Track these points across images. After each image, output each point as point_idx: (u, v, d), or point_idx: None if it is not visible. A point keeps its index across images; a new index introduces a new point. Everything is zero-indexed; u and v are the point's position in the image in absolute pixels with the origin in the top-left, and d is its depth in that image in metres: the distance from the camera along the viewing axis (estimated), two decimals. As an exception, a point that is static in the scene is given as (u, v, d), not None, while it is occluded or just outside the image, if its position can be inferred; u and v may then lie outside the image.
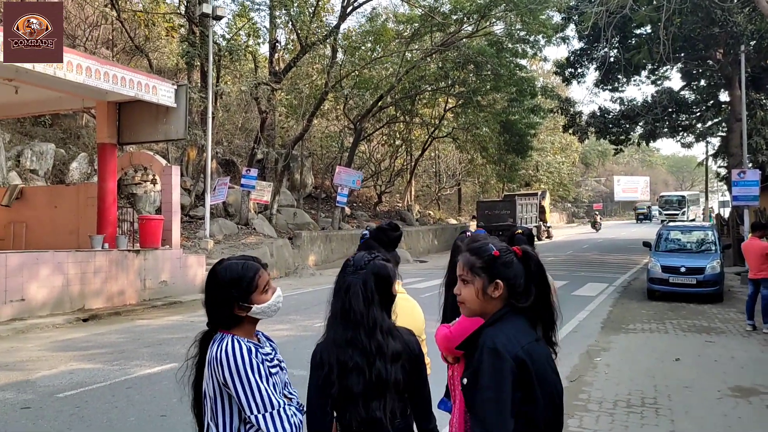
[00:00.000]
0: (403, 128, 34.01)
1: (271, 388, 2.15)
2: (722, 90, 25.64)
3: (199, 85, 21.02)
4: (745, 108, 19.71)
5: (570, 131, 30.54)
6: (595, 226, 47.91)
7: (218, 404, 2.17)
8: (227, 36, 24.03)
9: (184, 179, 20.93)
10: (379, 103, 26.50)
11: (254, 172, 20.14)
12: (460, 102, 31.46)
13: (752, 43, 20.87)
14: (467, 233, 3.45)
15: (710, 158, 35.03)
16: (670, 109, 26.41)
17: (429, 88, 29.41)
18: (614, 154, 39.88)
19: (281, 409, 2.14)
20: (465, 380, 1.89)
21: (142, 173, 19.23)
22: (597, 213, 54.77)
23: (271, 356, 2.29)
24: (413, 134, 35.37)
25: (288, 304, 12.96)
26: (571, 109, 29.16)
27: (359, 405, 2.15)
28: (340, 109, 28.66)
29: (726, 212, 31.77)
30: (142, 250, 13.91)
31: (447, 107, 33.59)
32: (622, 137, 28.99)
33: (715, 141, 31.04)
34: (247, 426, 2.16)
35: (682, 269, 13.47)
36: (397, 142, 35.20)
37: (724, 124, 26.86)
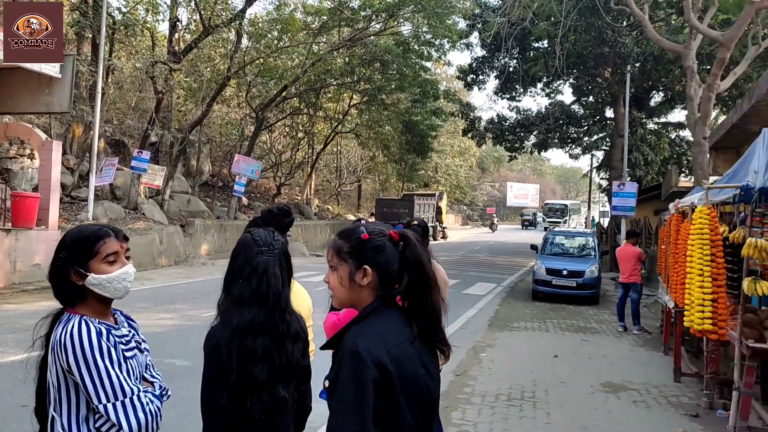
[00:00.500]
0: (307, 121, 33.65)
1: (124, 374, 1.94)
2: (608, 107, 27.40)
3: (89, 58, 19.68)
4: (627, 125, 21.16)
5: (469, 135, 31.56)
6: (492, 227, 54.78)
7: (62, 393, 1.93)
8: (123, 9, 22.67)
9: (67, 157, 19.52)
10: (283, 94, 26.05)
11: (146, 154, 19.12)
12: (364, 99, 31.57)
13: (637, 64, 22.44)
14: (362, 221, 3.41)
15: (594, 170, 37.35)
16: (561, 121, 27.95)
17: (334, 83, 29.30)
18: (509, 160, 41.61)
19: (134, 397, 1.93)
20: (326, 382, 1.68)
21: (18, 147, 17.69)
22: (494, 216, 60.91)
23: (128, 338, 2.07)
24: (316, 128, 35.10)
25: (175, 293, 12.45)
26: (471, 114, 30.13)
27: (265, 390, 2.05)
28: (242, 97, 27.87)
29: (606, 222, 34.00)
30: (13, 229, 12.80)
31: (351, 103, 33.62)
32: (517, 145, 30.32)
33: (600, 154, 33.13)
34: (96, 416, 1.92)
35: (564, 272, 14.22)
36: (300, 135, 34.77)
37: (608, 139, 28.76)
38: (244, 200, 27.65)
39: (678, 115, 30.19)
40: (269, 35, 25.30)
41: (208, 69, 24.86)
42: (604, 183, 32.24)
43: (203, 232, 20.81)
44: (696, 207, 6.07)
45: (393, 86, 29.54)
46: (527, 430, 5.52)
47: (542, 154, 39.62)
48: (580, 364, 8.22)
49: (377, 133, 34.89)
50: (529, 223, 63.58)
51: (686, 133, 26.29)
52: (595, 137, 30.35)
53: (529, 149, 31.58)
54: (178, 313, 10.30)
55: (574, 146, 31.59)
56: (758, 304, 6.40)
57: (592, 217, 47.58)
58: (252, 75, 24.76)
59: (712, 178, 11.86)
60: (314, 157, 35.89)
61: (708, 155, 12.90)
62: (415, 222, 3.90)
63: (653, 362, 8.52)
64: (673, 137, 27.72)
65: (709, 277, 5.43)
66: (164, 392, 2.11)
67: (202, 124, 25.21)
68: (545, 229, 43.74)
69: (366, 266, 1.72)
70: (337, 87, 30.17)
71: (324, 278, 1.82)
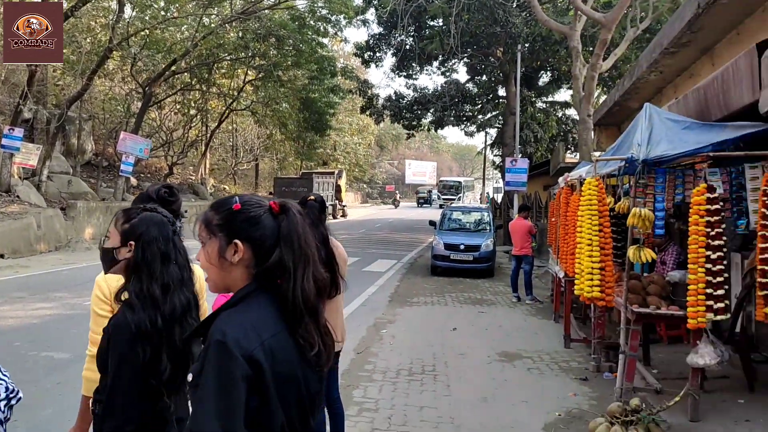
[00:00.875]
0: (199, 97, 32.27)
1: None
2: (501, 86, 28.26)
3: (-53, 24, 17.71)
4: (518, 103, 21.90)
5: (367, 113, 31.56)
6: (395, 203, 60.78)
7: None
8: (-13, -29, 20.54)
9: (-76, 135, 17.58)
10: (172, 68, 24.72)
11: (19, 132, 17.60)
12: (260, 75, 30.66)
13: (527, 44, 23.22)
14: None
15: (488, 147, 38.53)
16: (456, 100, 28.53)
17: (228, 58, 28.19)
18: (407, 138, 42.07)
19: None
20: (190, 376, 1.43)
21: None
22: (397, 193, 66.27)
23: None
24: (210, 104, 33.76)
25: (56, 281, 11.59)
26: (369, 92, 30.12)
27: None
28: (127, 70, 26.21)
29: (500, 197, 35.28)
30: None
31: (246, 79, 32.54)
32: (414, 122, 30.65)
33: (493, 132, 34.19)
34: None
35: (462, 247, 14.56)
36: (192, 112, 33.31)
37: (501, 117, 29.72)
38: (133, 180, 26.19)
39: (564, 94, 31.75)
40: (155, 5, 23.89)
41: (88, 40, 23.15)
42: (498, 160, 33.37)
43: (87, 214, 19.47)
44: (584, 180, 6.30)
45: (289, 62, 28.85)
46: (428, 403, 5.55)
47: (439, 131, 40.36)
48: (478, 336, 8.42)
49: (274, 110, 34.08)
50: (424, 201, 64.59)
51: (572, 112, 27.68)
52: (489, 115, 31.26)
53: (426, 127, 32.05)
54: (59, 302, 9.54)
55: (469, 124, 32.39)
56: (641, 270, 6.79)
57: (487, 193, 49.27)
58: (137, 47, 23.31)
59: (596, 154, 12.51)
60: (208, 135, 34.57)
61: (592, 132, 13.60)
62: (312, 197, 3.74)
63: (545, 330, 8.88)
64: (560, 115, 29.10)
65: (597, 246, 5.66)
66: (12, 394, 1.83)
67: (83, 99, 23.49)
68: (440, 206, 44.80)
69: (237, 241, 1.50)
70: (230, 62, 29.06)
71: (196, 256, 1.57)
